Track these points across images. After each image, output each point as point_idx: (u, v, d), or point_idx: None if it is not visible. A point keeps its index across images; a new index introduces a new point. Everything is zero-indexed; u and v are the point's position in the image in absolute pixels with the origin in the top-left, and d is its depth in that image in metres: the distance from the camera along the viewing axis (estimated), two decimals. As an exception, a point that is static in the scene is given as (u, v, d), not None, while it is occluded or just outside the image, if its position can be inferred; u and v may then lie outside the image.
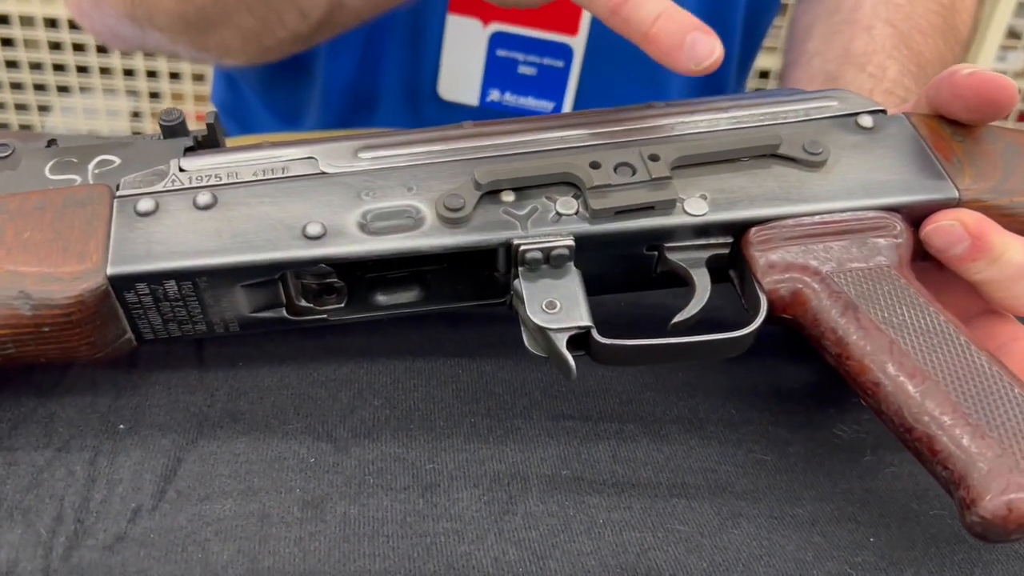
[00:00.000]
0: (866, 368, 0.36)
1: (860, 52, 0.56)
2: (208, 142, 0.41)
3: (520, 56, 0.72)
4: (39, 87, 1.66)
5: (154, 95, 1.66)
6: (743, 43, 0.75)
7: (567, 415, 0.42)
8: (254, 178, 0.39)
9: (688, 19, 0.37)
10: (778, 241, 0.38)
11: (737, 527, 0.38)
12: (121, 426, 0.40)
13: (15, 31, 1.58)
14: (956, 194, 0.40)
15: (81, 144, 0.41)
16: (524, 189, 0.39)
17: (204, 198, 0.38)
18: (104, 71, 1.63)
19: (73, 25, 1.55)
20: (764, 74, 1.50)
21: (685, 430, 0.42)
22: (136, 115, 1.71)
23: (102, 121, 1.71)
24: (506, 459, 0.40)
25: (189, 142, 0.41)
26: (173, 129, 0.41)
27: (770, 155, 0.40)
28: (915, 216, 0.40)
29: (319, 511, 0.37)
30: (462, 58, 0.72)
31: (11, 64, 1.63)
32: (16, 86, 1.66)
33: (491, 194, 0.39)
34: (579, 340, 0.37)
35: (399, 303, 0.41)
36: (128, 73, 1.63)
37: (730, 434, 0.42)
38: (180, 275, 0.37)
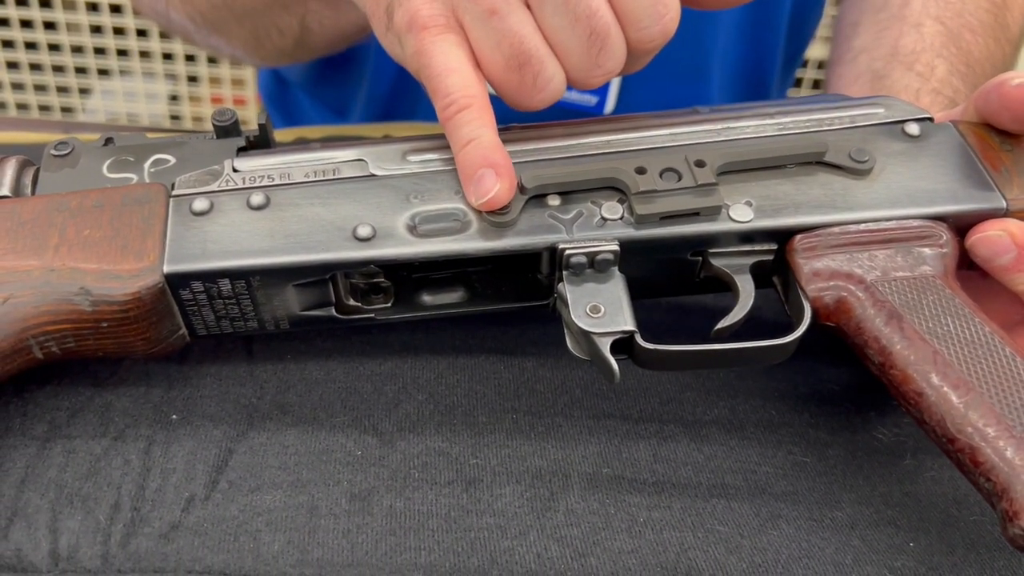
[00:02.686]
0: (909, 378, 0.36)
1: (908, 50, 0.55)
2: (260, 142, 0.42)
3: None
4: (80, 70, 1.68)
5: (192, 79, 1.68)
6: (788, 40, 0.75)
7: (608, 414, 0.43)
8: (306, 179, 0.40)
9: (489, 155, 0.38)
10: (823, 249, 0.39)
11: (776, 528, 0.38)
12: (174, 416, 0.41)
13: (58, 15, 1.60)
14: (1003, 204, 0.39)
15: (137, 143, 0.42)
16: (570, 193, 0.39)
17: (257, 199, 0.39)
18: (144, 55, 1.65)
19: (114, 9, 1.57)
20: (822, 65, 1.47)
21: (725, 431, 0.42)
22: (174, 98, 1.73)
23: (141, 104, 1.73)
24: (548, 456, 0.40)
25: (242, 142, 0.42)
26: (226, 129, 0.42)
27: (816, 162, 0.40)
28: (961, 225, 0.40)
29: (366, 504, 0.38)
30: None
31: (53, 47, 1.65)
32: (58, 69, 1.68)
33: (537, 198, 0.39)
34: (622, 344, 0.38)
35: (444, 303, 0.42)
36: (167, 57, 1.64)
37: (770, 435, 0.42)
38: (234, 274, 0.38)
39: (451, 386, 0.43)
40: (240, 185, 0.40)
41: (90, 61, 1.66)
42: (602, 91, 0.73)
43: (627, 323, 0.37)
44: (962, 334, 0.36)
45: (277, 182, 0.40)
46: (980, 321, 0.37)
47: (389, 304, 0.42)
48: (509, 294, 0.42)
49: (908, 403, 0.36)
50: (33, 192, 0.40)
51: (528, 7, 0.38)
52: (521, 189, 0.39)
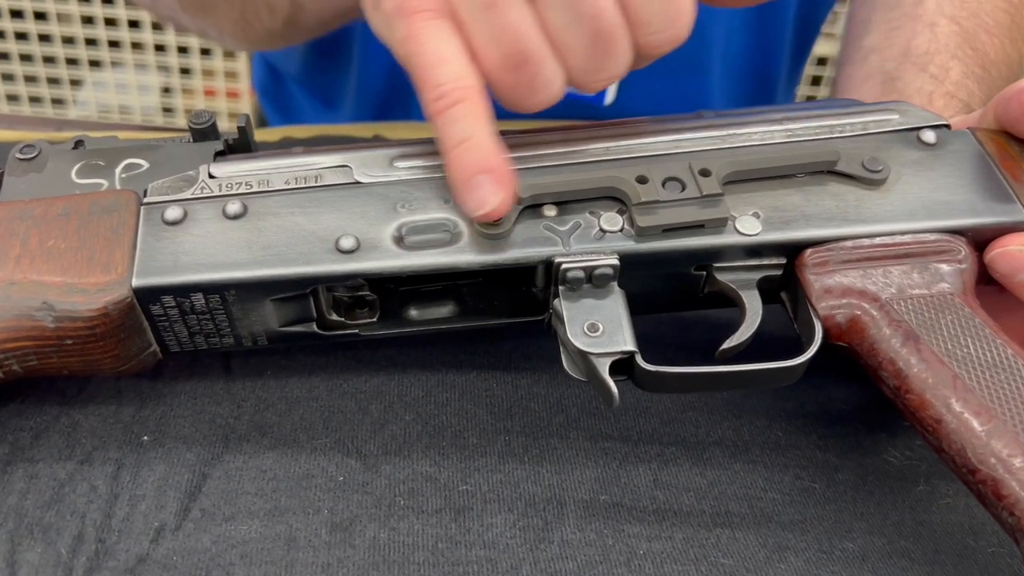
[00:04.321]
0: (927, 403, 0.34)
1: (922, 51, 0.53)
2: (239, 146, 0.40)
3: None
4: (71, 61, 1.65)
5: (185, 71, 1.65)
6: (796, 33, 0.72)
7: (606, 435, 0.40)
8: (286, 187, 0.37)
9: (487, 159, 0.34)
10: (834, 264, 0.36)
11: (784, 561, 0.36)
12: (145, 437, 0.39)
13: (48, 4, 1.57)
14: None
15: (108, 146, 0.40)
16: (567, 203, 0.37)
17: (234, 207, 0.37)
18: (136, 46, 1.62)
19: (105, -1, 1.54)
20: (822, 61, 1.45)
21: (729, 454, 0.40)
22: (167, 91, 1.70)
23: (133, 96, 1.70)
24: (542, 481, 0.38)
25: (219, 146, 0.39)
26: (203, 132, 0.39)
27: (827, 172, 0.38)
28: (980, 240, 0.37)
29: (348, 535, 0.36)
30: None
31: (44, 38, 1.62)
32: (48, 60, 1.65)
33: (532, 208, 0.37)
34: (622, 365, 0.35)
35: (433, 318, 0.40)
36: (159, 48, 1.62)
37: (776, 458, 0.40)
38: (208, 288, 0.35)
39: (440, 405, 0.41)
40: (216, 192, 0.37)
41: (81, 52, 1.64)
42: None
43: (627, 343, 0.35)
44: (983, 357, 0.34)
45: (255, 189, 0.37)
46: (1002, 343, 0.35)
47: (374, 319, 0.39)
48: (501, 309, 0.40)
49: (925, 430, 0.34)
50: (-5, 198, 0.38)
51: (531, 1, 0.34)
52: (515, 198, 0.36)
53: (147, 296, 0.35)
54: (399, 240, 0.36)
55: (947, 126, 0.40)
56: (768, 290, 0.38)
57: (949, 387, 0.34)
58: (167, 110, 1.72)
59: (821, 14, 0.75)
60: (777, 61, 0.73)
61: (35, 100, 1.72)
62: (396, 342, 0.43)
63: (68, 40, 1.63)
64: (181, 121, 1.71)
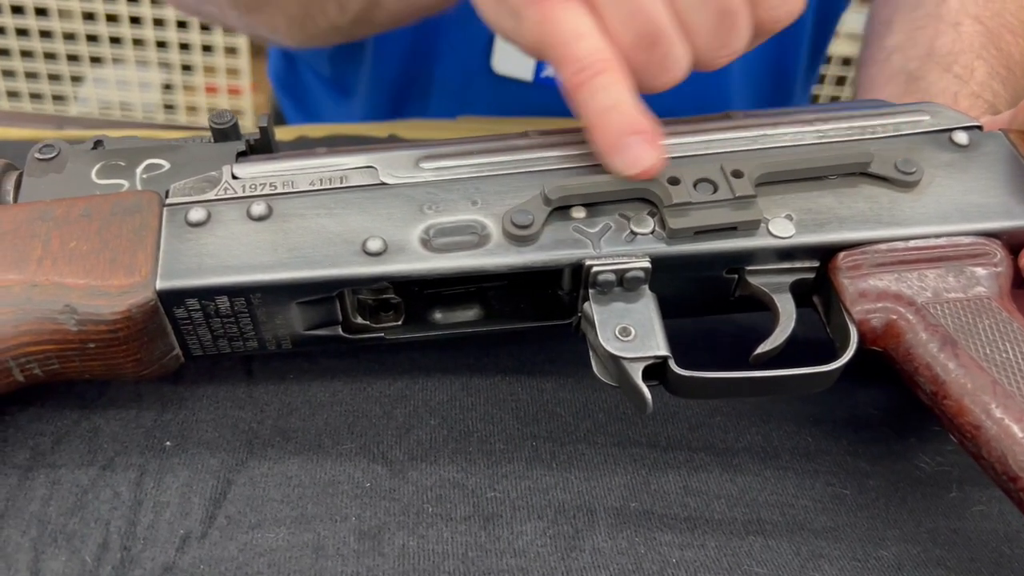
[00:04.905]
0: (965, 409, 0.33)
1: (946, 51, 0.52)
2: (260, 147, 0.39)
3: None
4: (72, 58, 1.65)
5: (186, 68, 1.64)
6: (813, 30, 0.72)
7: (634, 441, 0.40)
8: (311, 188, 0.37)
9: (635, 121, 0.35)
10: (868, 267, 0.36)
11: (819, 570, 0.36)
12: (168, 443, 0.38)
13: (49, 0, 1.56)
14: None
15: (128, 146, 0.39)
16: (596, 205, 0.36)
17: (259, 208, 0.36)
18: (137, 43, 1.61)
19: (106, -5, 1.54)
20: (847, 61, 1.45)
21: (759, 460, 0.40)
22: (168, 87, 1.69)
23: (134, 93, 1.69)
24: (571, 488, 0.38)
25: (241, 146, 0.39)
26: (225, 132, 0.39)
27: (860, 173, 0.37)
28: (1015, 243, 0.37)
29: (376, 542, 0.35)
30: None
31: (45, 34, 1.61)
32: (49, 56, 1.64)
33: (561, 210, 0.36)
34: (654, 369, 0.35)
35: (458, 322, 0.39)
36: (161, 45, 1.61)
37: (806, 465, 0.40)
38: (233, 291, 0.35)
39: (465, 409, 0.40)
40: (240, 193, 0.37)
41: (82, 49, 1.63)
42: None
43: (660, 347, 0.34)
44: (1023, 361, 0.34)
45: (280, 191, 0.37)
46: (1042, 348, 0.34)
47: (399, 322, 0.39)
48: (528, 312, 0.39)
49: (964, 437, 0.34)
50: (15, 199, 0.37)
51: None
52: (544, 200, 0.36)
53: (171, 299, 0.34)
54: (426, 242, 0.36)
55: (979, 127, 0.40)
56: (799, 294, 0.37)
57: (988, 393, 0.33)
58: (168, 107, 1.71)
59: (836, 12, 0.74)
60: (794, 58, 0.72)
61: (36, 97, 1.71)
62: (418, 345, 0.42)
63: (69, 36, 1.62)
64: (183, 118, 1.70)
